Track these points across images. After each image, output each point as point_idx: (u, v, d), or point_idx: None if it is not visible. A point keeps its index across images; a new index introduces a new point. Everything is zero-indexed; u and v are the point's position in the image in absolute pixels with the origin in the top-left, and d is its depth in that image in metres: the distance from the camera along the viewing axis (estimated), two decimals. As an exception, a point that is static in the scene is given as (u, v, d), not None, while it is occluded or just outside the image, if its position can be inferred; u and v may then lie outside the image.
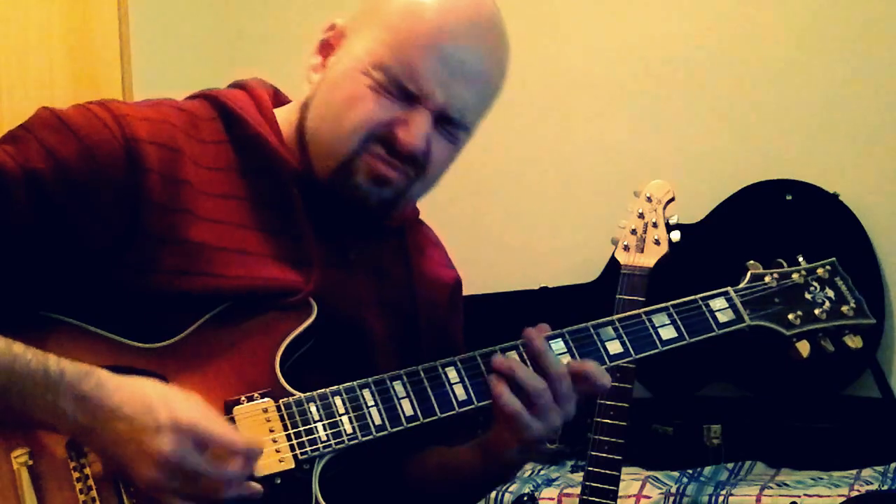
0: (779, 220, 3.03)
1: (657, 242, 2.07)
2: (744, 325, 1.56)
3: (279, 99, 1.58)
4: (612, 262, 2.10)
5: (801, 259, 1.65)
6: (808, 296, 1.61)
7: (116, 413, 1.27)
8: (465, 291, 2.94)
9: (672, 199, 2.10)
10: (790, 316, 1.58)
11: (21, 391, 1.27)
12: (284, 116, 1.52)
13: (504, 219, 3.44)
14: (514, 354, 1.45)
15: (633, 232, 2.08)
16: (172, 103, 1.49)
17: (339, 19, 1.50)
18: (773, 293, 1.59)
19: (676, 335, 1.53)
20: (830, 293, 1.63)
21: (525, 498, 2.57)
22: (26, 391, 1.27)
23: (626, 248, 2.08)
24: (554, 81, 3.38)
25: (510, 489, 2.66)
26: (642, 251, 2.07)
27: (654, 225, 2.07)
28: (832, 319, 1.61)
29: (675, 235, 2.07)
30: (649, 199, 2.09)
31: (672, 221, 2.09)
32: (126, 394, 1.28)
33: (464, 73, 1.43)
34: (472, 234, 3.39)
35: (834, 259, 1.66)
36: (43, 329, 1.35)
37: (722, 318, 1.55)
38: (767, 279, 1.60)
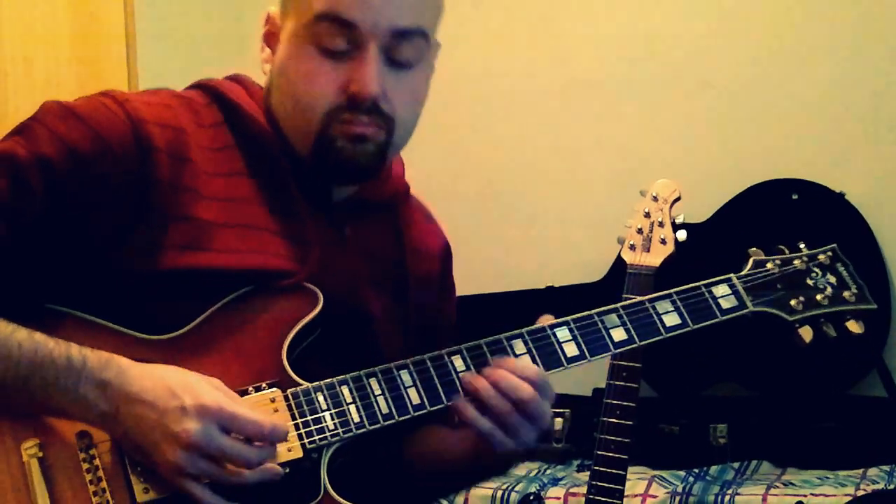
0: (785, 219, 3.03)
1: (663, 241, 2.06)
2: (746, 311, 1.57)
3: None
4: (619, 261, 2.10)
5: (802, 246, 1.66)
6: (809, 281, 1.63)
7: (138, 398, 1.29)
8: (472, 291, 2.95)
9: (678, 199, 2.10)
10: (792, 302, 1.60)
11: (43, 379, 1.30)
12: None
13: (510, 218, 3.44)
14: (519, 342, 1.47)
15: (640, 231, 2.08)
16: (170, 91, 1.51)
17: (272, 8, 1.50)
18: (775, 279, 1.61)
19: (680, 322, 1.54)
20: (832, 279, 1.64)
21: (531, 497, 2.57)
22: (48, 379, 1.30)
23: (633, 247, 2.08)
24: (559, 81, 3.38)
25: (516, 488, 2.66)
26: (648, 250, 2.07)
27: (661, 224, 2.07)
28: (834, 305, 1.62)
29: (682, 234, 2.07)
30: (655, 199, 2.09)
31: (678, 220, 2.09)
32: (148, 381, 1.30)
33: None
34: (478, 233, 3.39)
35: (835, 245, 1.67)
36: (50, 322, 1.36)
37: (725, 304, 1.56)
38: (769, 265, 1.62)
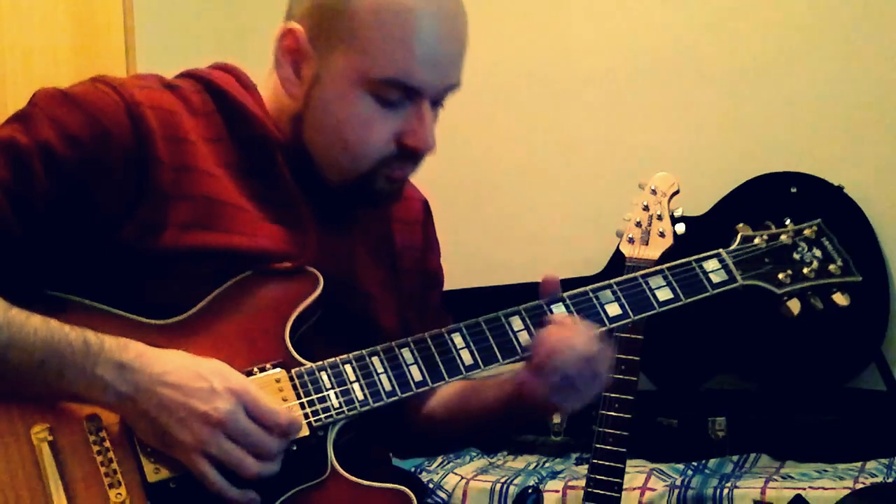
0: (783, 212, 3.02)
1: (662, 235, 2.07)
2: (737, 284, 1.62)
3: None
4: (617, 254, 2.10)
5: (788, 221, 1.72)
6: (796, 255, 1.68)
7: (162, 379, 1.31)
8: (471, 284, 2.95)
9: (677, 192, 2.10)
10: (780, 275, 1.65)
11: (60, 362, 1.31)
12: (266, 94, 1.54)
13: (508, 212, 3.44)
14: (517, 319, 1.52)
15: (638, 224, 2.08)
16: (157, 77, 1.53)
17: (293, 24, 1.46)
18: (763, 254, 1.66)
19: (672, 296, 1.58)
20: (818, 252, 1.69)
21: (530, 490, 2.57)
22: (65, 362, 1.31)
23: (631, 240, 2.08)
24: (558, 75, 3.38)
25: (515, 482, 2.66)
26: (647, 243, 2.07)
27: (659, 217, 2.07)
28: (820, 278, 1.67)
29: (680, 228, 2.08)
30: (654, 192, 2.09)
31: (677, 214, 2.09)
32: (170, 364, 1.33)
33: (450, 51, 1.48)
34: (476, 227, 3.40)
35: (820, 220, 1.73)
36: (52, 308, 1.37)
37: (715, 278, 1.61)
38: (757, 240, 1.67)
